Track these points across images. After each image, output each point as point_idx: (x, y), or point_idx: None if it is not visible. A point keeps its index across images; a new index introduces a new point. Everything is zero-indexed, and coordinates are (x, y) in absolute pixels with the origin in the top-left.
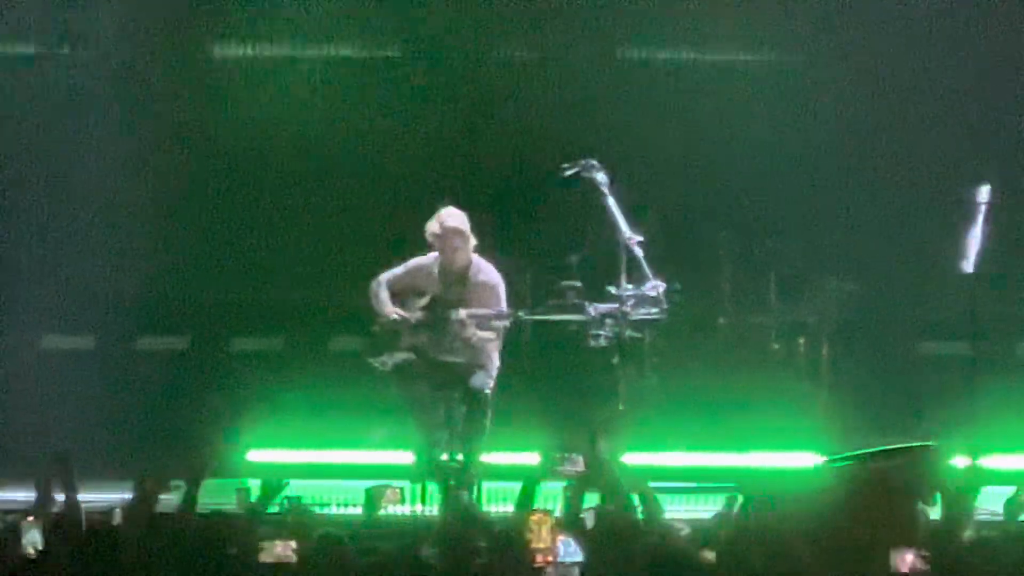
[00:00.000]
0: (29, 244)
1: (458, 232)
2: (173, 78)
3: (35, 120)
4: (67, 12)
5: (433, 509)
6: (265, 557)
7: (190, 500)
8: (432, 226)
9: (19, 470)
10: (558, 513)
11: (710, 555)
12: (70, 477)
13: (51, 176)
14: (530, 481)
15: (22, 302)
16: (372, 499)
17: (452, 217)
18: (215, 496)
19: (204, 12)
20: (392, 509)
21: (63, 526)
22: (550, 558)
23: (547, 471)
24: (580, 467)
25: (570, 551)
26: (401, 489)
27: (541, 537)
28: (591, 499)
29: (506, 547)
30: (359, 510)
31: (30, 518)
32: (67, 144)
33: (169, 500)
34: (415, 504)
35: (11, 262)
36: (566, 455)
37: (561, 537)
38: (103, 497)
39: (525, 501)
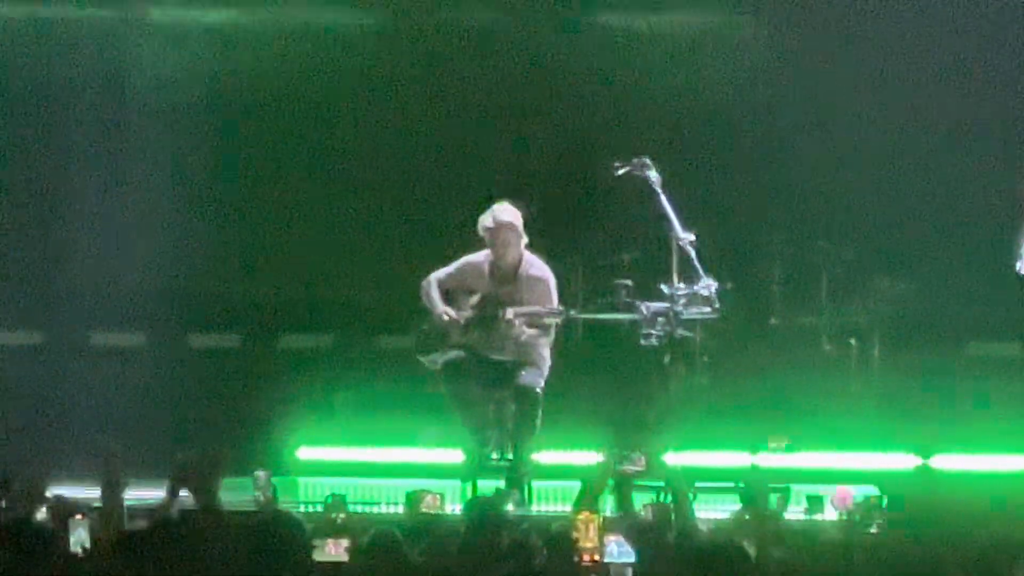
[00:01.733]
0: (79, 240)
1: (511, 227)
2: (226, 75)
3: (82, 116)
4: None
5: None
6: (318, 556)
7: (212, 498)
8: (485, 220)
9: (69, 467)
10: (608, 512)
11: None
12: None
13: (102, 172)
14: (591, 480)
15: (73, 299)
16: (412, 503)
17: (505, 212)
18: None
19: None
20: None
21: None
22: (597, 557)
23: (609, 470)
24: (642, 466)
25: (621, 551)
26: (441, 495)
27: (589, 537)
28: (644, 498)
29: (555, 546)
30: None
31: (79, 516)
32: (117, 141)
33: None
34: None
35: (62, 258)
36: (627, 454)
37: (611, 537)
38: (154, 495)
39: (585, 499)
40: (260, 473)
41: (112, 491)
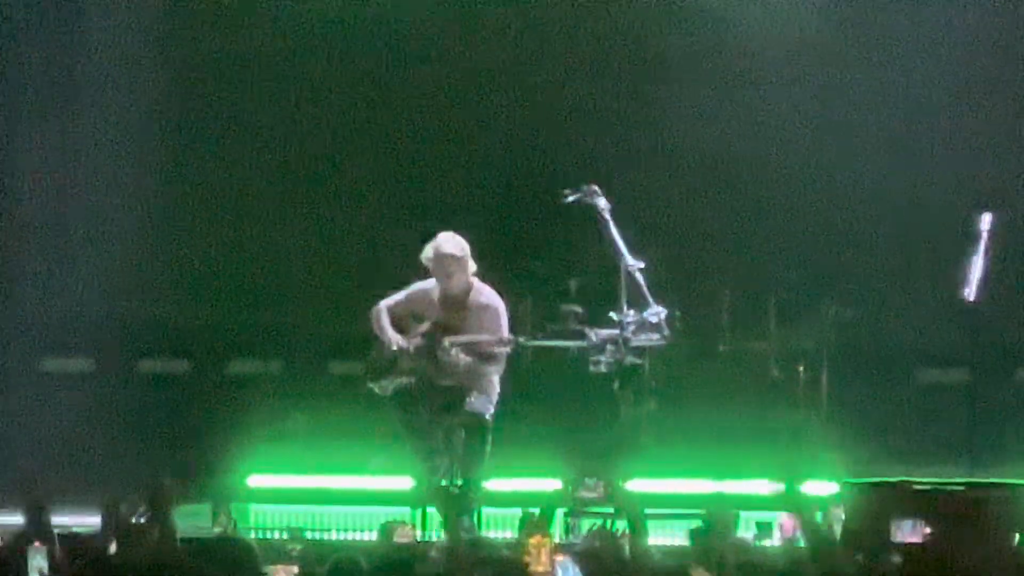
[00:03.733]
0: (27, 266)
1: (452, 258)
2: (176, 98)
3: (30, 137)
4: None
5: (434, 535)
6: None
7: (167, 526)
8: (427, 252)
9: (15, 492)
10: (557, 537)
11: None
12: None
13: (50, 199)
14: (548, 506)
15: (21, 325)
16: (386, 534)
17: (447, 243)
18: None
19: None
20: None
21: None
22: None
23: (565, 496)
24: (598, 493)
25: (570, 574)
26: (414, 525)
27: (540, 561)
28: (595, 523)
29: (506, 572)
30: (359, 535)
31: (37, 543)
32: (65, 168)
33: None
34: (416, 530)
35: (8, 283)
36: (583, 481)
37: (559, 559)
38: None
39: (541, 525)
40: (219, 504)
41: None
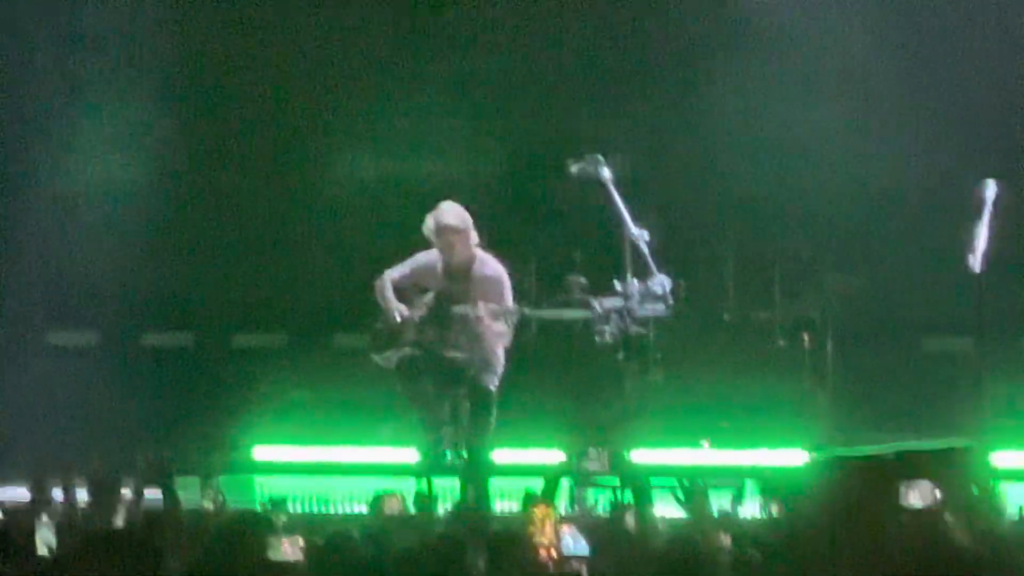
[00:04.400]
0: (32, 239)
1: (453, 229)
2: (178, 72)
3: (40, 113)
4: None
5: (438, 506)
6: (273, 555)
7: (171, 497)
8: (428, 223)
9: (19, 467)
10: (562, 508)
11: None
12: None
13: (55, 172)
14: (552, 477)
15: (25, 298)
16: (376, 505)
17: (446, 214)
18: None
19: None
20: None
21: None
22: (554, 552)
23: (570, 467)
24: (602, 463)
25: (575, 545)
26: (402, 496)
27: (545, 532)
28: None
29: (511, 542)
30: (363, 507)
31: (44, 517)
32: (72, 140)
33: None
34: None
35: (14, 256)
36: (588, 451)
37: (566, 530)
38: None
39: (547, 496)
40: (209, 479)
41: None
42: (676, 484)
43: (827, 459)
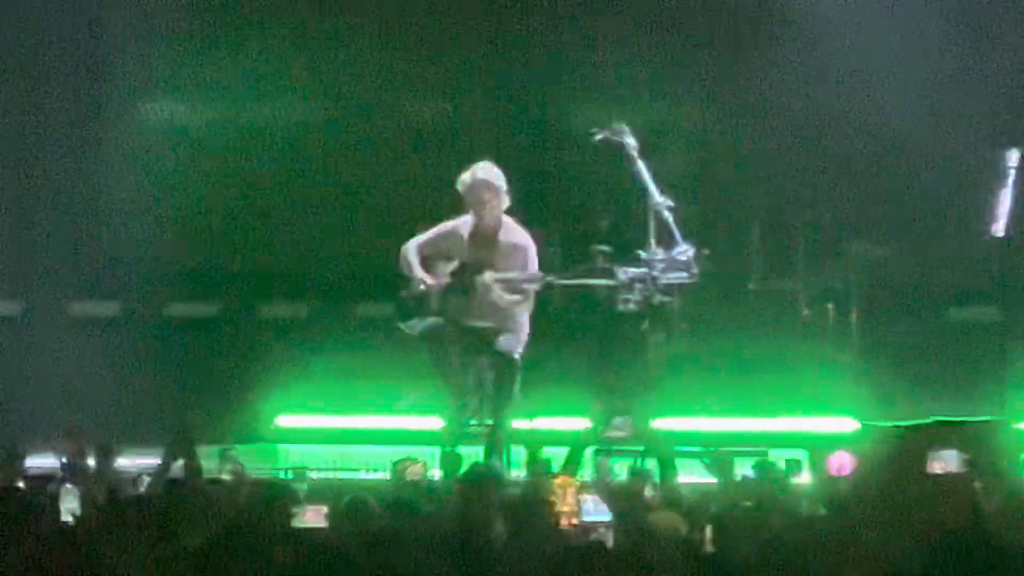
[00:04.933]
0: (57, 210)
1: (488, 185)
2: (202, 45)
3: (65, 84)
4: None
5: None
6: (297, 523)
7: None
8: (464, 177)
9: (44, 437)
10: (586, 476)
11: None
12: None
13: (80, 144)
14: (577, 445)
15: (51, 269)
16: (396, 472)
17: (483, 170)
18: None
19: None
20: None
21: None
22: (575, 520)
23: (594, 435)
24: (626, 431)
25: (597, 510)
26: (424, 463)
27: (566, 500)
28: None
29: (532, 510)
30: (386, 475)
31: (68, 485)
32: (96, 113)
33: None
34: (443, 468)
35: (39, 227)
36: (612, 420)
37: (588, 497)
38: (130, 463)
39: (572, 464)
40: (228, 450)
41: (98, 460)
42: (704, 452)
43: (863, 429)
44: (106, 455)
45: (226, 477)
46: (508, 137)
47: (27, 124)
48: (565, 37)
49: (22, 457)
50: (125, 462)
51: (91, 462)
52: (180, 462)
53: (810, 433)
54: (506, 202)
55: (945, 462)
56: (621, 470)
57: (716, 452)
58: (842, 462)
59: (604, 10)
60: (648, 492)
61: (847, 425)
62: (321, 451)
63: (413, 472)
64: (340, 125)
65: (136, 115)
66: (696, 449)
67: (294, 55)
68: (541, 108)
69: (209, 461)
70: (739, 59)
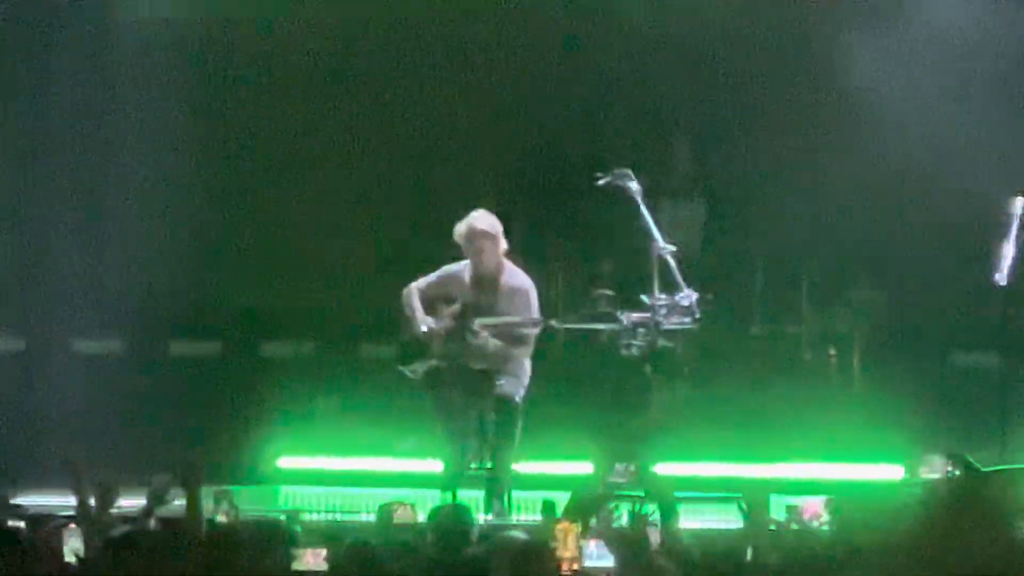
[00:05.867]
0: (61, 246)
1: (485, 234)
2: (207, 81)
3: (72, 123)
4: None
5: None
6: (296, 566)
7: (194, 507)
8: (460, 228)
9: (47, 474)
10: (588, 522)
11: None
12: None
13: (83, 180)
14: (580, 491)
15: (54, 305)
16: (384, 514)
17: (480, 220)
18: (249, 503)
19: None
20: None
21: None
22: (576, 566)
23: (597, 481)
24: (630, 476)
25: (597, 555)
26: (412, 505)
27: (567, 546)
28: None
29: (534, 556)
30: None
31: (72, 525)
32: (99, 149)
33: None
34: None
35: (42, 263)
36: (615, 465)
37: (592, 542)
38: (130, 503)
39: (574, 510)
40: (223, 490)
41: (93, 501)
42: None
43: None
44: (104, 494)
45: (221, 518)
46: (510, 180)
47: (30, 159)
48: (567, 78)
49: (5, 498)
50: (127, 502)
51: (92, 501)
52: (174, 500)
53: (811, 480)
54: (504, 246)
55: (931, 467)
56: (622, 515)
57: (749, 492)
58: (815, 508)
59: (607, 55)
60: (653, 538)
61: (849, 472)
62: (321, 493)
63: (401, 515)
64: (344, 166)
65: (140, 151)
66: (719, 494)
67: (297, 93)
68: (543, 151)
69: (205, 501)
70: (740, 103)
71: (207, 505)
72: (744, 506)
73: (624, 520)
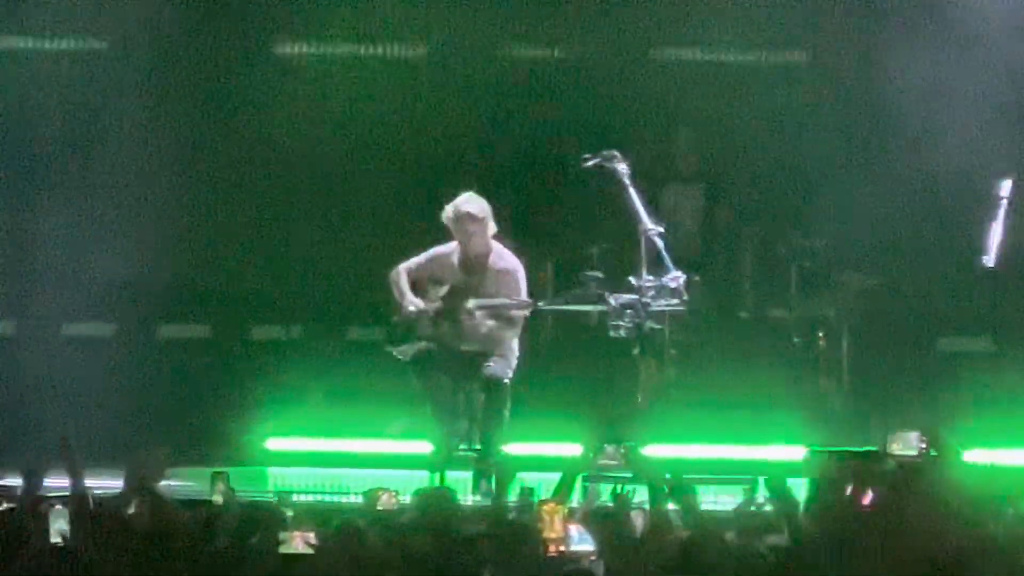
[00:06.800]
0: (51, 231)
1: (472, 217)
2: (196, 74)
3: (61, 111)
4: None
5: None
6: (284, 548)
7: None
8: (447, 212)
9: (36, 457)
10: (575, 503)
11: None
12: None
13: (75, 165)
14: (569, 472)
15: (42, 288)
16: (369, 500)
17: (467, 203)
18: (238, 484)
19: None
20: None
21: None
22: (562, 547)
23: (586, 462)
24: (617, 459)
25: (581, 538)
26: (396, 492)
27: (553, 527)
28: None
29: (519, 538)
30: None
31: (58, 506)
32: (92, 134)
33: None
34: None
35: (33, 249)
36: (603, 447)
37: (573, 526)
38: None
39: (563, 492)
40: (218, 472)
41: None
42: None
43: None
44: (74, 475)
45: (217, 499)
46: (498, 162)
47: (22, 143)
48: (556, 60)
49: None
50: (112, 482)
51: (78, 483)
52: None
53: (799, 462)
54: (492, 229)
55: (903, 443)
56: (608, 497)
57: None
58: None
59: (598, 33)
60: (639, 520)
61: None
62: (309, 474)
63: (385, 501)
64: (334, 150)
65: (132, 135)
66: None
67: (292, 75)
68: (532, 134)
69: (198, 484)
70: (732, 84)
71: (204, 486)
72: (768, 488)
73: (606, 501)
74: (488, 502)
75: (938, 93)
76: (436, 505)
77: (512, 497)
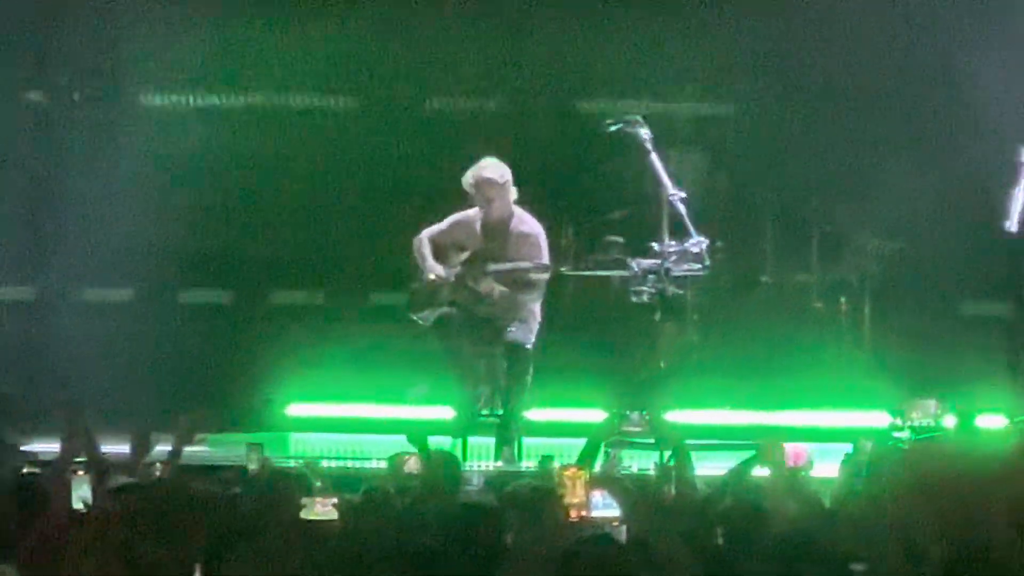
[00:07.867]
0: (70, 195)
1: (492, 183)
2: (215, 32)
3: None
4: None
5: (473, 464)
6: (306, 514)
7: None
8: (467, 177)
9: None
10: (596, 468)
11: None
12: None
13: (93, 127)
14: (595, 438)
15: (63, 254)
16: (394, 467)
17: (487, 168)
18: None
19: None
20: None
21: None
22: (584, 512)
23: (612, 428)
24: (641, 425)
25: (605, 503)
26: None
27: (575, 492)
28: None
29: (540, 503)
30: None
31: (80, 472)
32: (110, 99)
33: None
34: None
35: (52, 213)
36: (627, 412)
37: (597, 491)
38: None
39: (588, 458)
40: (253, 443)
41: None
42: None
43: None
44: (118, 442)
45: (252, 466)
46: (521, 127)
47: (38, 109)
48: (581, 26)
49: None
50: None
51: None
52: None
53: (819, 427)
54: (514, 194)
55: (921, 410)
56: (632, 463)
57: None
58: (797, 453)
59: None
60: (665, 488)
61: (856, 419)
62: (331, 440)
63: (411, 466)
64: (357, 115)
65: (150, 100)
66: (711, 442)
67: (310, 43)
68: (555, 99)
69: (224, 449)
70: (754, 51)
71: (231, 451)
72: (759, 453)
73: (635, 468)
74: (510, 468)
75: (963, 56)
76: (438, 471)
77: (533, 462)
